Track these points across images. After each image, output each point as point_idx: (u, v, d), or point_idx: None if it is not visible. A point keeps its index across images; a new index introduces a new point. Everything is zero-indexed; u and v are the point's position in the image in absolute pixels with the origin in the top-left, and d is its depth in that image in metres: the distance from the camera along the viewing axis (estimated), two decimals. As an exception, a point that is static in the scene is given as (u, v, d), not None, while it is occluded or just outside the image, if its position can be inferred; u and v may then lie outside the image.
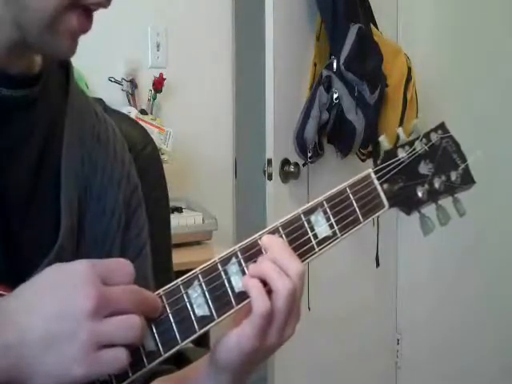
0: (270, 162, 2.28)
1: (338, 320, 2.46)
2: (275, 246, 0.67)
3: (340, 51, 2.25)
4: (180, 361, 0.84)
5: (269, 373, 2.34)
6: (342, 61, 2.24)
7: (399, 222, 2.73)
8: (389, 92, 2.35)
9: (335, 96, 2.27)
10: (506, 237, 2.33)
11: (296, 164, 2.33)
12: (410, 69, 2.39)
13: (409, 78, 2.38)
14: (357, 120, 2.27)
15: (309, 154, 2.29)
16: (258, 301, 0.64)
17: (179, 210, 2.17)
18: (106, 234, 0.77)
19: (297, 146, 2.31)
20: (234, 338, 0.66)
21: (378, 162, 0.73)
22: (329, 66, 2.30)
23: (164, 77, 2.35)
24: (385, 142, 0.74)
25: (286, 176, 2.33)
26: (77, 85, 0.82)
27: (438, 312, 2.61)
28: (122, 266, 0.61)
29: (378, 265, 2.59)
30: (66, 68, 0.80)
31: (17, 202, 0.71)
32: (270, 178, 2.29)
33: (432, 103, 2.37)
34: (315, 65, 2.37)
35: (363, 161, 2.41)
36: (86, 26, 0.69)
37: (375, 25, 2.41)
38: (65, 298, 0.57)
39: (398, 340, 2.78)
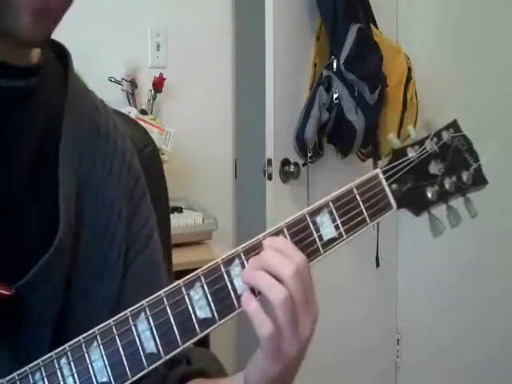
0: (269, 162, 2.28)
1: (338, 320, 2.46)
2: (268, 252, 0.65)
3: (340, 51, 2.25)
4: (180, 362, 0.84)
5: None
6: (342, 61, 2.25)
7: (399, 223, 2.72)
8: (389, 92, 2.35)
9: (335, 96, 2.27)
10: (510, 237, 2.33)
11: (296, 164, 2.33)
12: (410, 69, 2.39)
13: (409, 78, 2.38)
14: (357, 120, 2.27)
15: (309, 154, 2.29)
16: (260, 326, 0.63)
17: (179, 209, 2.17)
18: (107, 226, 0.77)
19: (297, 146, 2.31)
20: (257, 373, 0.67)
21: (387, 161, 0.70)
22: (329, 66, 2.30)
23: (164, 77, 2.34)
24: (394, 139, 0.71)
25: (286, 176, 2.33)
26: (77, 77, 0.81)
27: (438, 312, 2.61)
28: None
29: (378, 265, 2.59)
30: (65, 61, 0.80)
31: (15, 194, 0.71)
32: (270, 178, 2.28)
33: (432, 103, 2.37)
34: (315, 65, 2.37)
35: (363, 161, 2.41)
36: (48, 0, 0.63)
37: (375, 25, 2.41)
38: None
39: (398, 340, 2.78)
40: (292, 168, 2.32)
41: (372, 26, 2.38)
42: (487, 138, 0.74)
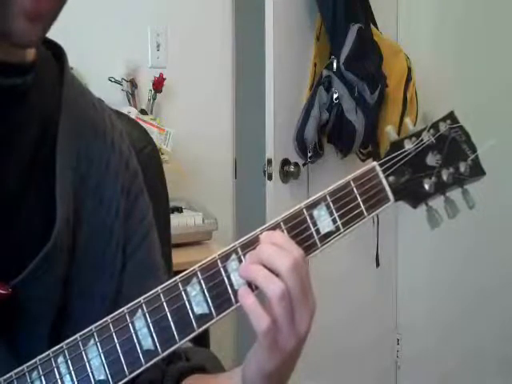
0: (270, 161, 2.27)
1: (338, 320, 2.46)
2: (264, 245, 0.65)
3: (340, 51, 2.25)
4: (179, 357, 0.84)
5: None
6: (342, 61, 2.25)
7: (399, 222, 2.72)
8: (389, 92, 2.35)
9: (335, 96, 2.27)
10: (507, 235, 2.33)
11: (296, 164, 2.32)
12: (410, 69, 2.39)
13: (409, 78, 2.38)
14: (357, 120, 2.27)
15: (309, 154, 2.29)
16: (257, 320, 0.63)
17: (179, 209, 2.17)
18: (105, 224, 0.77)
19: (297, 146, 2.31)
20: (254, 367, 0.67)
21: (384, 153, 0.69)
22: (329, 66, 2.30)
23: (164, 77, 2.34)
24: (392, 132, 0.70)
25: (285, 176, 2.33)
26: (74, 76, 0.81)
27: (438, 312, 2.61)
28: None
29: (378, 265, 2.58)
30: (61, 60, 0.80)
31: (11, 192, 0.71)
32: (270, 178, 2.28)
33: (432, 103, 2.37)
34: (315, 65, 2.37)
35: (363, 161, 2.41)
36: (38, 5, 0.63)
37: (375, 25, 2.41)
38: None
39: (398, 340, 2.78)
40: (292, 168, 2.32)
41: (372, 26, 2.38)
42: (487, 137, 0.73)
